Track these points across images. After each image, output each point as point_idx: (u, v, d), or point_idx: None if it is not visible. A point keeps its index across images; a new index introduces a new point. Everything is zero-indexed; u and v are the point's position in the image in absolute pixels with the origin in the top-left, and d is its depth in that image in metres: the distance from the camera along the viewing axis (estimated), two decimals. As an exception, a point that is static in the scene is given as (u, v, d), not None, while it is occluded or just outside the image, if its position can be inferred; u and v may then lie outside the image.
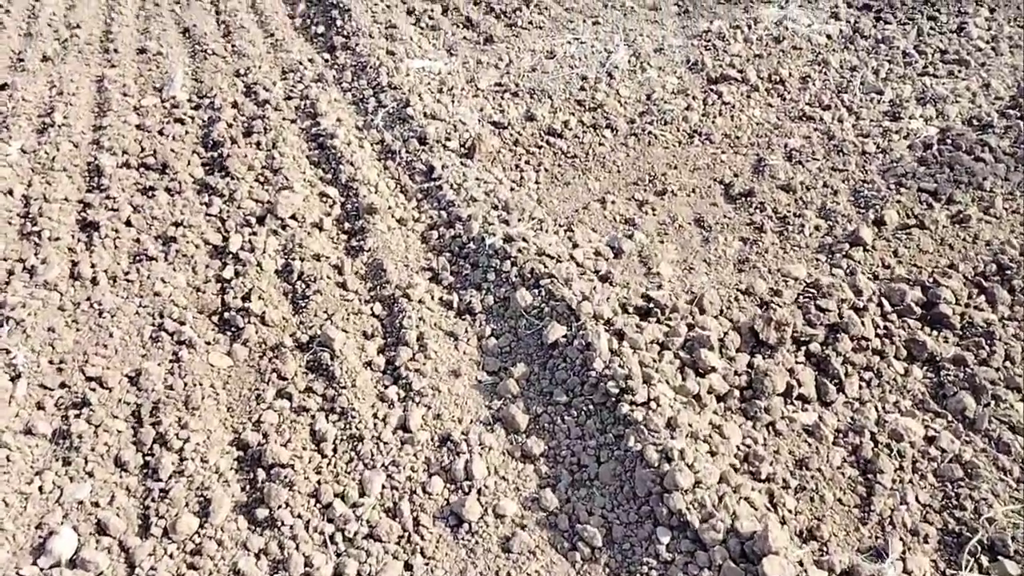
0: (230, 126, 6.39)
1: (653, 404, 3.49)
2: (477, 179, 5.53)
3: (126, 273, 4.83)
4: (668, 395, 3.57)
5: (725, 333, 4.01)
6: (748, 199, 5.40)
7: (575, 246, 4.91)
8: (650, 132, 6.17)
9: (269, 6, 9.23)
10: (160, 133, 6.42)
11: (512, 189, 5.55)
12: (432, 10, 8.74)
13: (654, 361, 3.77)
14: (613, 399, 3.56)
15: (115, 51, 7.99)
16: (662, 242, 5.08)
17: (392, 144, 6.01)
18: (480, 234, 4.79)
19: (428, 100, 6.49)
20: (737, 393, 3.75)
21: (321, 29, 8.30)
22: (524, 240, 4.69)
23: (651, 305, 4.21)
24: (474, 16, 8.61)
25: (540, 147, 6.11)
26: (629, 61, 7.29)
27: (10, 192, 5.55)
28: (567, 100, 6.72)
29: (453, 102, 6.65)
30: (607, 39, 7.92)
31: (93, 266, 4.85)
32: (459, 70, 7.28)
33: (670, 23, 8.34)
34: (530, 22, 8.41)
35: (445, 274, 4.69)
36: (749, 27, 7.51)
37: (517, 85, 6.97)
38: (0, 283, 4.76)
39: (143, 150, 6.15)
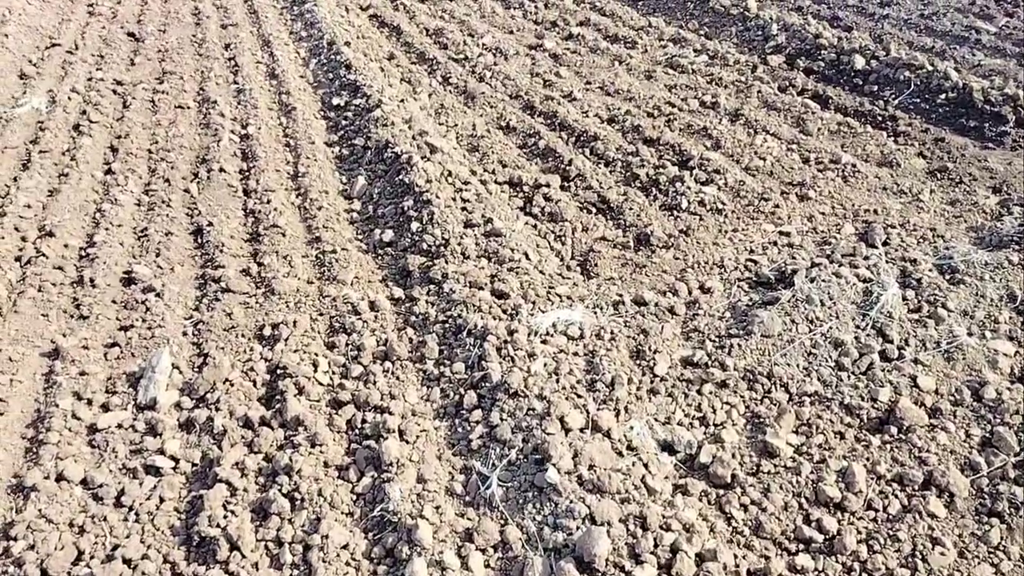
0: (233, 492, 3.60)
1: None
2: None
3: None
4: None
5: None
6: None
7: None
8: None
9: (317, 180, 6.54)
10: (117, 503, 3.67)
11: None
12: (547, 184, 5.86)
13: None
14: None
15: (91, 283, 5.37)
16: None
17: (532, 562, 3.08)
18: None
19: (577, 423, 3.58)
20: None
21: (389, 234, 5.51)
22: None
23: None
24: (611, 195, 5.71)
25: (816, 559, 3.10)
26: (904, 297, 4.24)
27: None
28: (823, 405, 3.71)
29: (620, 416, 3.72)
30: (832, 233, 4.92)
31: None
32: (610, 324, 4.35)
33: (928, 196, 5.27)
34: (700, 200, 5.46)
35: None
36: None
37: (723, 364, 3.98)
38: None
39: (79, 558, 3.41)
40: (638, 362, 4.07)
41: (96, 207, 6.47)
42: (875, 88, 6.83)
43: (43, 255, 5.73)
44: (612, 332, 4.26)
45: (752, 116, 6.59)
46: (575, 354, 4.13)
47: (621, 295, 4.68)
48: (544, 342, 4.19)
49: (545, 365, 3.97)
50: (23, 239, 5.99)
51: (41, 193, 6.66)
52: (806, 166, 5.78)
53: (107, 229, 6.01)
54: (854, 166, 5.63)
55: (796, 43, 7.84)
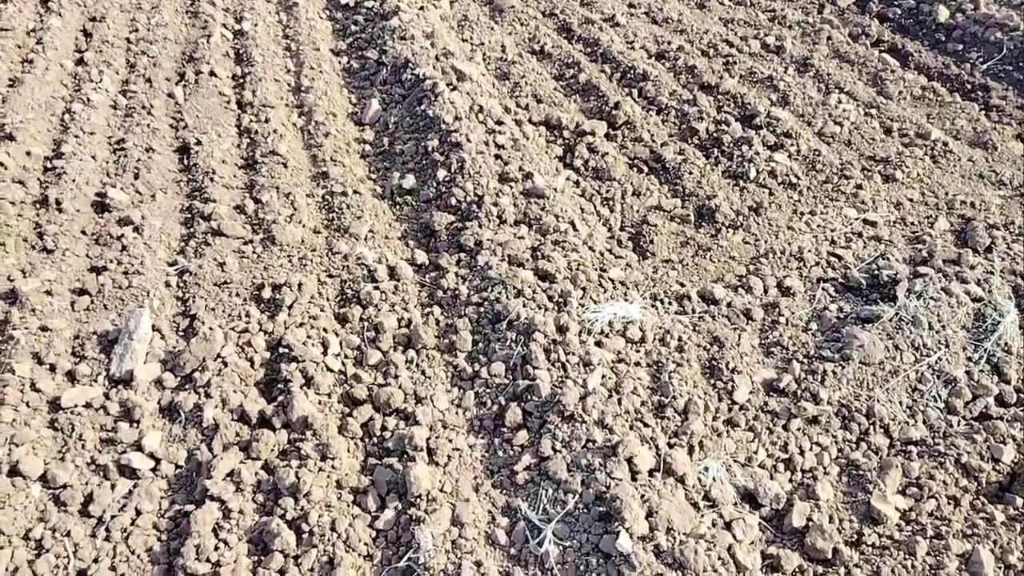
0: (227, 513, 2.97)
1: None
2: None
3: None
4: None
5: None
6: None
7: None
8: None
9: (324, 98, 5.68)
10: (84, 512, 3.04)
11: None
12: (591, 132, 5.09)
13: None
14: None
15: (57, 205, 4.58)
16: None
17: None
18: None
19: (646, 464, 2.97)
20: None
21: (409, 180, 4.74)
22: None
23: None
24: (666, 153, 4.96)
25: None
26: (1021, 325, 3.63)
27: None
28: (934, 460, 3.13)
29: (693, 454, 3.11)
30: (925, 228, 4.26)
31: None
32: (675, 327, 3.70)
33: (1032, 194, 4.61)
34: (771, 171, 4.74)
35: None
36: None
37: (815, 395, 3.37)
38: None
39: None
40: (712, 382, 3.44)
41: (65, 106, 5.58)
42: (959, 48, 6.04)
43: (1, 164, 4.88)
44: (679, 339, 3.61)
45: (823, 68, 5.80)
46: (637, 364, 3.48)
47: (684, 285, 4.02)
48: (599, 344, 3.54)
49: (603, 379, 3.32)
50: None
51: (0, 83, 5.72)
52: (889, 138, 5.06)
53: (77, 137, 5.16)
54: (945, 144, 4.92)
55: (869, -18, 6.96)
